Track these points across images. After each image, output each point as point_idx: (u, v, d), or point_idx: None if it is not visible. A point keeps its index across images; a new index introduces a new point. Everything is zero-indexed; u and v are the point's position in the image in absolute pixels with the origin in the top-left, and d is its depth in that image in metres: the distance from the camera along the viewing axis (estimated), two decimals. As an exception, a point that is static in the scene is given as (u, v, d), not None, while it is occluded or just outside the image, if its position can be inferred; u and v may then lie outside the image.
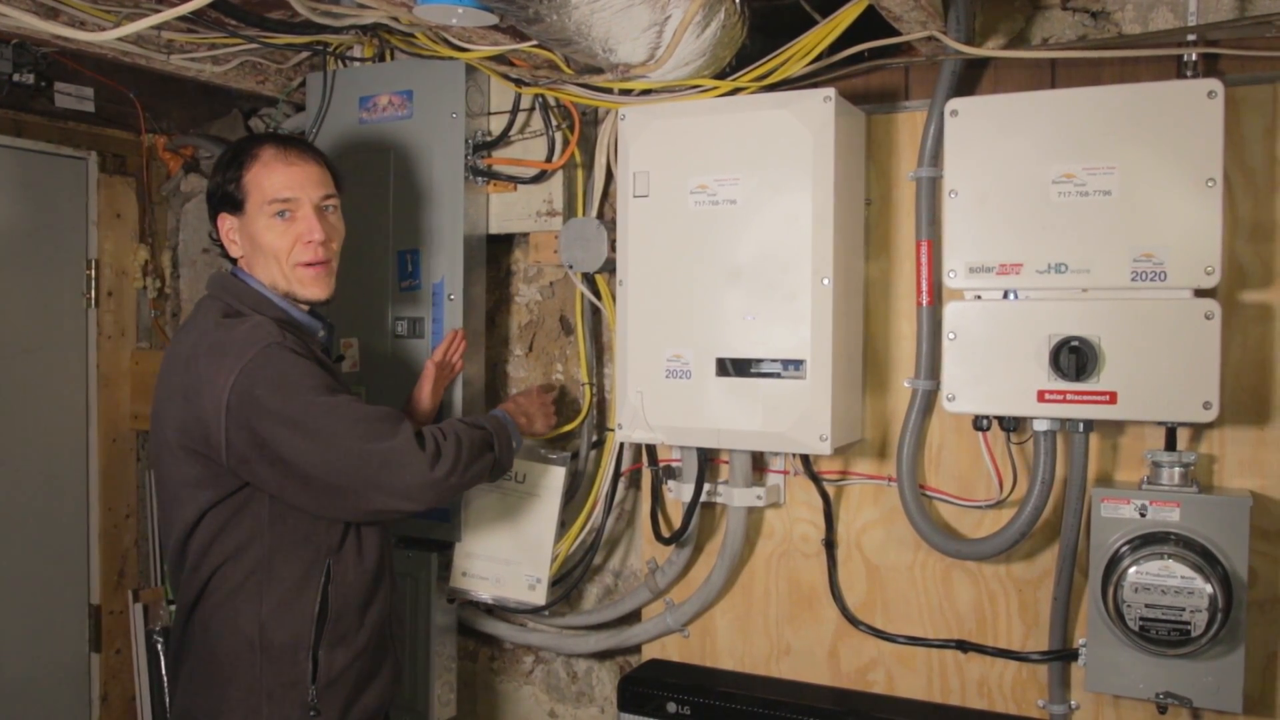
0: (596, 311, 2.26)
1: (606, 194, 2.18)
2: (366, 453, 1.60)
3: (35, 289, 2.50)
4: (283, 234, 1.71)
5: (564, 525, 2.21)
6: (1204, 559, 1.63)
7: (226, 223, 1.76)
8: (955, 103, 1.74)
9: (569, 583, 2.29)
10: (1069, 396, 1.66)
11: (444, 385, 2.12)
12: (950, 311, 1.75)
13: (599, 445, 2.26)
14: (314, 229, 1.72)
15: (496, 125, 2.20)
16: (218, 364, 1.61)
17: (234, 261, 1.79)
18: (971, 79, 1.91)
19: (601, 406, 2.29)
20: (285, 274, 1.73)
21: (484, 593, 2.19)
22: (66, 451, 2.59)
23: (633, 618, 2.26)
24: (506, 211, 2.25)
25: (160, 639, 2.67)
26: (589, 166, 2.19)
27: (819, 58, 1.85)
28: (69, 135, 2.49)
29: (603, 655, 2.36)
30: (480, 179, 2.19)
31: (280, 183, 1.71)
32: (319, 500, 1.64)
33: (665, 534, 2.12)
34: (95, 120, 2.51)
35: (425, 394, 2.07)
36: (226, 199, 1.74)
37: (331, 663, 1.70)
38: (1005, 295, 1.72)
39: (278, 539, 1.67)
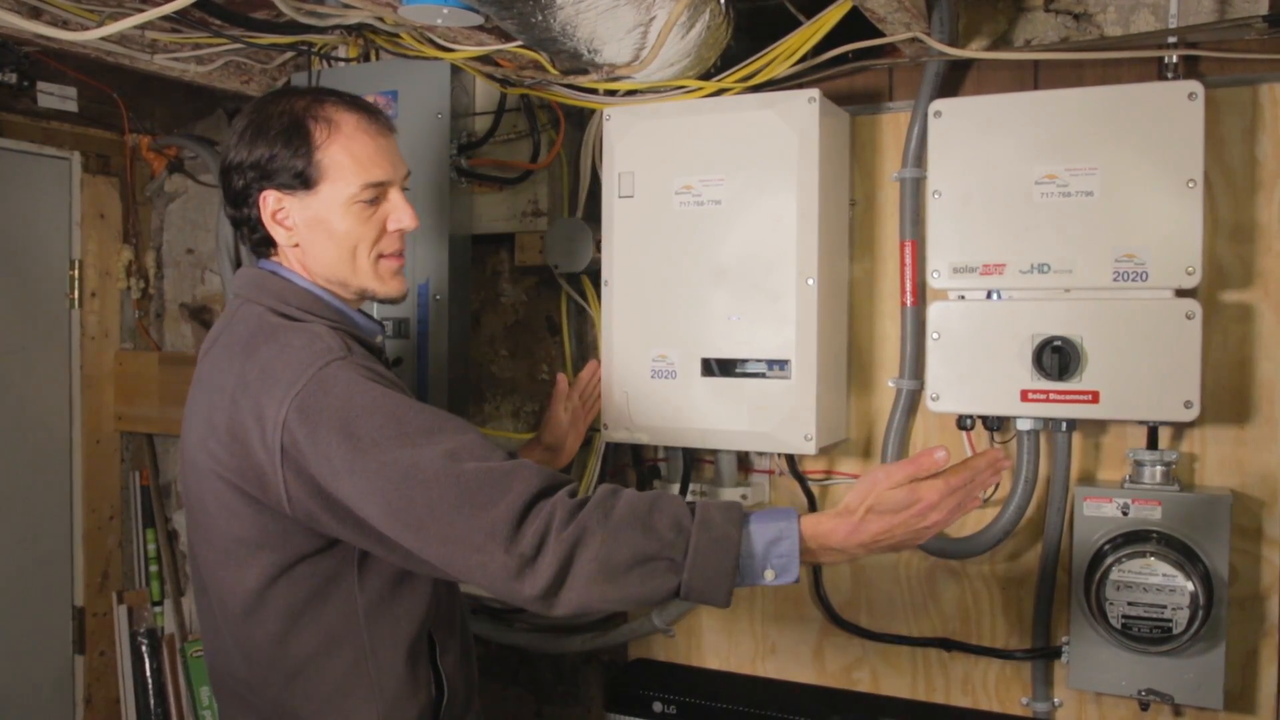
0: (582, 312, 2.26)
1: (592, 194, 2.18)
2: (459, 537, 1.21)
3: (18, 289, 2.48)
4: (368, 220, 1.45)
5: (550, 525, 2.21)
6: (1185, 557, 1.65)
7: (273, 201, 1.43)
8: (939, 104, 1.75)
9: (555, 583, 2.28)
10: (1052, 396, 1.67)
11: (586, 426, 2.02)
12: (934, 311, 1.75)
13: (585, 446, 2.25)
14: (407, 215, 1.48)
15: (481, 126, 2.19)
16: (268, 392, 1.31)
17: (259, 251, 1.50)
18: (955, 80, 1.92)
19: (587, 407, 2.28)
20: (362, 267, 1.46)
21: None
22: (50, 453, 2.58)
23: (618, 618, 2.26)
24: (492, 212, 2.25)
25: (145, 641, 2.66)
26: (574, 167, 2.19)
27: (803, 59, 1.85)
28: (52, 135, 2.48)
29: (589, 655, 2.36)
30: (465, 179, 2.19)
31: (372, 160, 1.44)
32: (409, 562, 1.32)
33: (651, 534, 2.12)
34: (78, 120, 2.50)
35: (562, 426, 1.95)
36: (284, 173, 1.42)
37: None
38: (988, 295, 1.73)
39: (376, 616, 1.39)
